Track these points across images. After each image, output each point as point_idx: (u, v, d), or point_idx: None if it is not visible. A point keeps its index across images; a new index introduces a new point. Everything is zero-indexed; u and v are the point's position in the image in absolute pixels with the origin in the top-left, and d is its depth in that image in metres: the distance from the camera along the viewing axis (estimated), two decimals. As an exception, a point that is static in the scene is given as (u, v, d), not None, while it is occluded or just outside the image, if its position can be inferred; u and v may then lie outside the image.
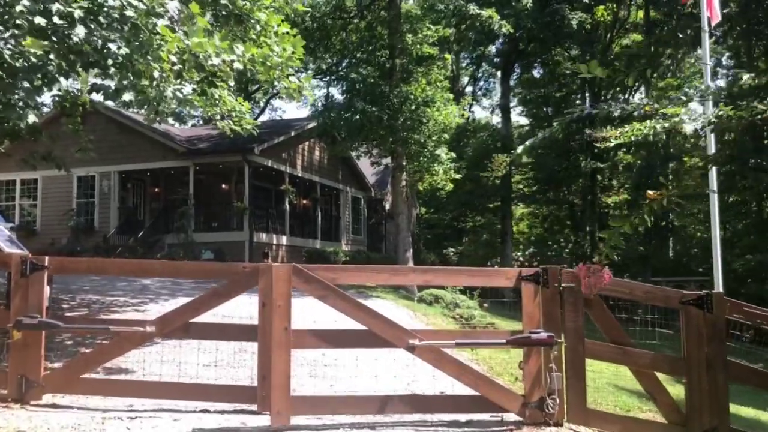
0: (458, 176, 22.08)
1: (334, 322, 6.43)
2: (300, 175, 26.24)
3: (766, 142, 29.80)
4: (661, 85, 37.71)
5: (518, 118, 43.15)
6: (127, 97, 6.51)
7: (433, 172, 20.05)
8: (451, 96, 19.87)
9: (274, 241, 24.28)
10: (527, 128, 38.24)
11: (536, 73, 39.72)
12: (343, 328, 5.75)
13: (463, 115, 21.74)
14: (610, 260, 5.83)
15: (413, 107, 19.01)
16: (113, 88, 6.56)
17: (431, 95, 19.25)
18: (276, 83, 9.87)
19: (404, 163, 20.18)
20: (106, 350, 5.83)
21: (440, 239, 41.28)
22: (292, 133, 25.10)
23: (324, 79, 28.31)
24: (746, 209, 29.78)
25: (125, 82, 6.46)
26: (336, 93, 21.15)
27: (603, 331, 6.19)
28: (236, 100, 13.50)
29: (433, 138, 19.52)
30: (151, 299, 13.22)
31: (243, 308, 8.13)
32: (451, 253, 39.36)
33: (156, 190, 26.24)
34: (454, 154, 20.83)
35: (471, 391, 5.77)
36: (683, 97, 5.67)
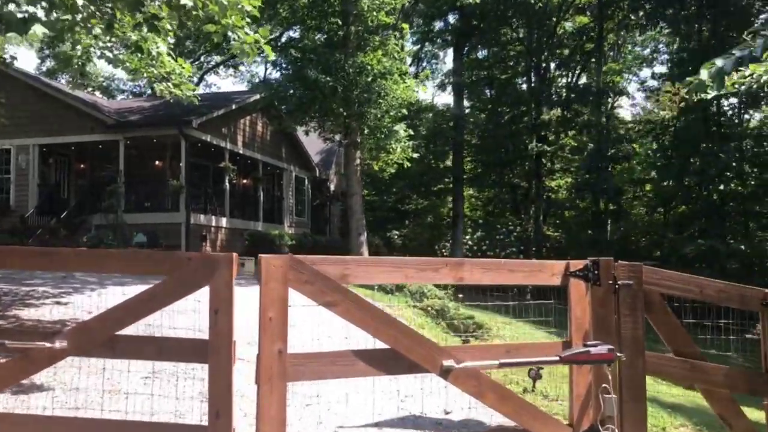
0: (416, 155, 20.78)
1: (328, 338, 4.92)
2: (241, 152, 24.36)
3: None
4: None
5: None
6: (39, 30, 4.78)
7: (390, 149, 18.61)
8: (410, 69, 18.38)
9: (213, 223, 22.41)
10: (467, 111, 37.24)
11: (481, 54, 38.77)
12: (353, 347, 4.26)
13: (421, 90, 20.31)
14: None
15: (369, 79, 17.49)
16: (21, 15, 4.81)
17: (389, 67, 17.75)
18: (230, 34, 8.22)
19: (359, 140, 18.67)
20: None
21: (382, 222, 40.02)
22: (233, 107, 23.17)
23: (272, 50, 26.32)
24: (697, 193, 29.61)
25: (36, 8, 4.73)
26: (284, 64, 19.32)
27: (666, 340, 4.93)
28: (176, 60, 11.74)
29: (391, 113, 18.08)
30: (76, 288, 11.38)
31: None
32: (395, 236, 38.14)
33: (82, 166, 23.87)
34: (412, 132, 19.48)
35: (507, 421, 4.40)
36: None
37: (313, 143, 32.41)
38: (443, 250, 31.65)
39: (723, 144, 28.02)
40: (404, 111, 18.45)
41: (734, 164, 27.47)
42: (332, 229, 34.53)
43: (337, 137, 19.20)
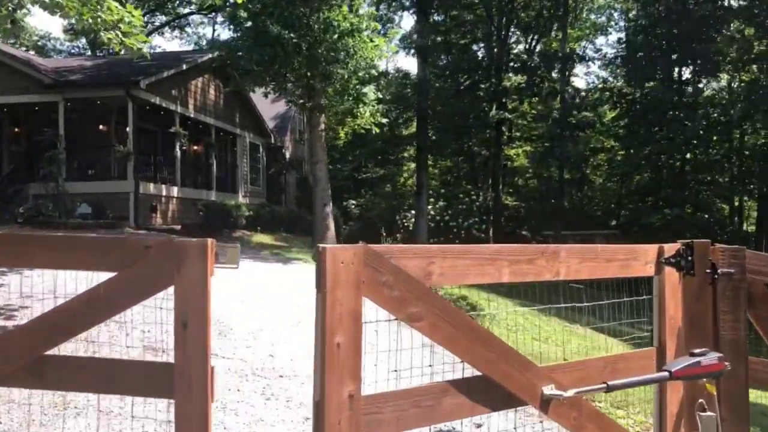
0: (385, 120, 19.57)
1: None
2: (193, 116, 22.67)
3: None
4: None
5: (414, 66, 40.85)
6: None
7: (358, 114, 17.35)
8: (379, 26, 17.07)
9: (164, 193, 20.82)
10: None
11: (438, 17, 37.44)
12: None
13: (391, 50, 19.02)
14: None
15: (336, 36, 16.12)
16: None
17: (357, 24, 16.41)
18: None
19: (323, 103, 17.35)
20: None
21: (337, 192, 38.72)
22: (184, 67, 21.44)
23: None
24: (663, 161, 29.30)
25: None
26: (242, 19, 17.70)
27: (774, 341, 3.97)
28: (125, 7, 10.26)
29: (359, 74, 16.79)
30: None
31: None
32: (352, 206, 36.99)
33: (16, 130, 21.82)
34: (380, 95, 18.24)
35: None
36: None
37: (267, 108, 30.77)
38: (404, 221, 30.67)
39: (690, 112, 27.69)
40: (374, 72, 17.19)
41: (701, 132, 27.17)
42: (288, 198, 33.13)
43: (300, 100, 17.78)
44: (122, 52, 10.37)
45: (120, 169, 19.35)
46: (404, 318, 2.44)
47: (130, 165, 18.72)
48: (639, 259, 3.59)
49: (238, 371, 6.28)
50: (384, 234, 14.32)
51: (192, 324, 2.40)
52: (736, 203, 35.14)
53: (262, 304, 9.53)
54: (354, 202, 37.38)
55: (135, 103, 18.95)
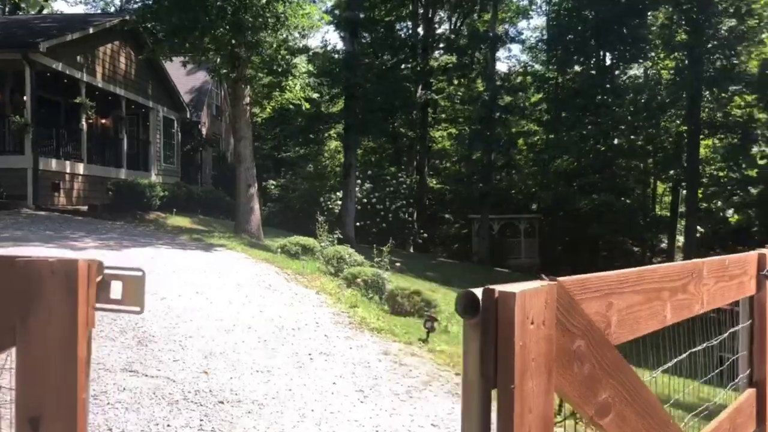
0: (316, 95, 18.23)
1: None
2: (101, 86, 20.58)
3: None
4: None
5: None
6: None
7: (288, 87, 15.97)
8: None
9: (68, 170, 18.79)
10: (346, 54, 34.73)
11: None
12: None
13: (325, 19, 17.65)
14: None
15: (264, 1, 14.67)
16: None
17: (287, -12, 15.00)
18: None
19: (248, 74, 15.88)
20: None
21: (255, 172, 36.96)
22: (91, 30, 19.33)
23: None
24: (590, 146, 29.29)
25: None
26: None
27: None
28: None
29: (290, 43, 15.41)
30: None
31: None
32: (272, 186, 35.41)
33: None
34: (312, 67, 16.90)
35: None
36: None
37: (183, 80, 28.75)
38: (329, 203, 29.44)
39: (617, 97, 27.71)
40: (306, 42, 15.85)
41: (629, 117, 27.23)
42: (204, 178, 31.26)
43: (223, 71, 16.22)
44: (21, 6, 8.66)
45: (16, 142, 17.24)
46: (592, 413, 1.35)
47: (27, 138, 16.67)
48: (747, 272, 2.63)
49: (165, 396, 5.03)
50: (319, 220, 13.10)
51: (50, 425, 1.18)
52: (650, 189, 35.92)
53: (186, 302, 8.20)
54: (274, 182, 35.79)
55: (34, 69, 16.84)
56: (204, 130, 31.53)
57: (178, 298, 8.37)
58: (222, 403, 4.97)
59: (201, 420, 4.62)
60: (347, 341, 6.92)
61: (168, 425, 4.50)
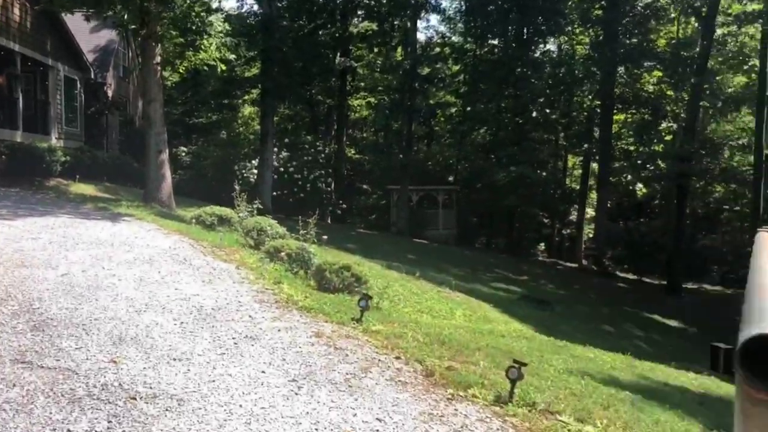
0: (232, 56, 17.14)
1: None
2: (-9, 39, 18.71)
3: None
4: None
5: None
6: None
7: (202, 46, 14.90)
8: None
9: (-47, 131, 17.03)
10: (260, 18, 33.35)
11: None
12: None
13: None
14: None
15: (177, -48, 13.55)
16: None
17: (202, -61, 13.90)
18: None
19: (159, 31, 14.71)
20: None
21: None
22: (-21, -25, 17.46)
23: None
24: (508, 118, 29.39)
25: None
26: None
27: None
28: None
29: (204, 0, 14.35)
30: None
31: None
32: (183, 153, 33.87)
33: None
34: (228, 26, 15.80)
35: None
36: None
37: (86, 38, 26.71)
38: (244, 172, 28.35)
39: (535, 71, 27.84)
40: (219, 4, 14.79)
41: (547, 91, 27.42)
42: (110, 143, 29.39)
43: (132, 26, 14.96)
44: None
45: None
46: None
47: None
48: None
49: (65, 392, 4.31)
50: (237, 189, 12.30)
51: None
52: (560, 162, 36.70)
53: (91, 279, 7.36)
54: (185, 149, 34.22)
55: None
56: (110, 92, 29.55)
57: (82, 274, 7.52)
58: (134, 399, 4.30)
59: (109, 422, 3.95)
60: (275, 322, 6.33)
61: (68, 430, 3.81)
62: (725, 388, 8.31)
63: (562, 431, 4.35)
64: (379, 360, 5.48)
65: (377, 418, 4.28)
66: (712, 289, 31.10)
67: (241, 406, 4.32)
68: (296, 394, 4.59)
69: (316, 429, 4.06)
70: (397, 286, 10.64)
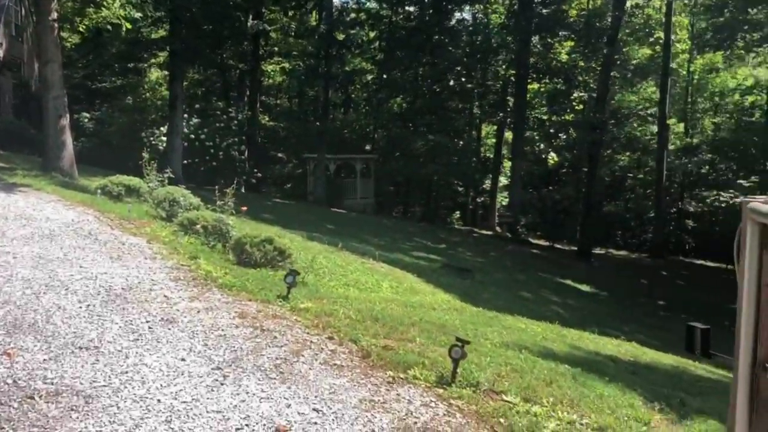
0: (139, 15, 15.91)
1: None
2: None
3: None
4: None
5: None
6: None
7: (105, 2, 13.76)
8: None
9: None
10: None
11: None
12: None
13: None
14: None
15: None
16: None
17: None
18: None
19: (56, -14, 13.48)
20: None
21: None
22: None
23: None
24: (426, 86, 29.15)
25: None
26: None
27: None
28: None
29: (105, -49, 13.20)
30: None
31: None
32: (86, 120, 31.93)
33: None
34: (134, -18, 14.63)
35: None
36: None
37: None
38: (152, 139, 26.92)
39: (452, 39, 27.64)
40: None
41: (465, 59, 27.32)
42: (4, 107, 27.19)
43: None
44: None
45: None
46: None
47: None
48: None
49: (-51, 394, 3.70)
50: (145, 157, 11.50)
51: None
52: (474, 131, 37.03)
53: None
54: (87, 115, 32.27)
55: None
56: (1, 53, 27.30)
57: (-30, 253, 6.71)
58: (32, 398, 3.74)
59: (1, 428, 3.40)
60: (193, 303, 5.80)
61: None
62: (650, 355, 8.43)
63: (511, 413, 4.11)
64: (311, 341, 5.08)
65: (314, 409, 3.91)
66: (618, 254, 32.31)
67: (159, 401, 3.84)
68: (222, 384, 4.15)
69: (247, 425, 3.65)
70: (321, 259, 10.21)
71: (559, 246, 29.22)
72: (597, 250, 29.58)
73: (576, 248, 28.96)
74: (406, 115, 29.83)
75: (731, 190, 32.45)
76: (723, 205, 33.16)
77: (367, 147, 35.65)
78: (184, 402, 3.85)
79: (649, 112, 34.69)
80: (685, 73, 37.93)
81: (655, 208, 33.55)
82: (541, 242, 30.09)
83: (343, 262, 10.72)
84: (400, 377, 4.52)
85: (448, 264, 16.55)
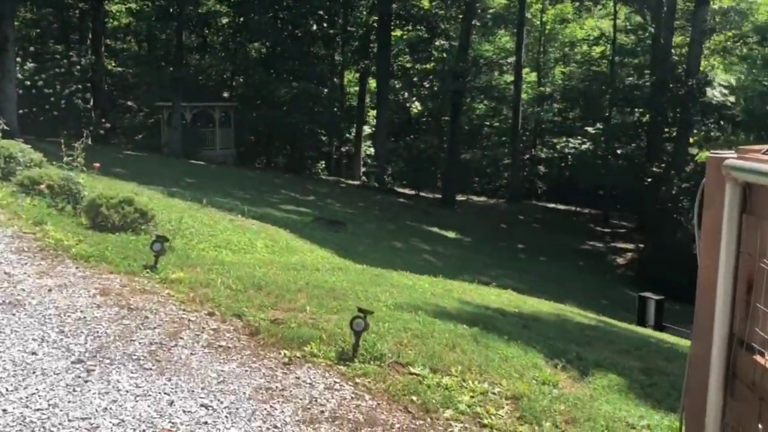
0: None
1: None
2: None
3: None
4: None
5: None
6: None
7: None
8: None
9: None
10: None
11: None
12: None
13: None
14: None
15: None
16: None
17: None
18: None
19: None
20: None
21: None
22: None
23: None
24: (288, 31, 27.88)
25: None
26: None
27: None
28: None
29: None
30: None
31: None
32: None
33: None
34: None
35: None
36: None
37: None
38: (-21, 85, 23.87)
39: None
40: None
41: (328, 2, 26.33)
42: None
43: None
44: None
45: None
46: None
47: None
48: None
49: None
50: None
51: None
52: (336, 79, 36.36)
53: None
54: None
55: None
56: None
57: None
58: None
59: None
60: (43, 279, 4.94)
61: None
62: (530, 303, 8.50)
63: (422, 388, 3.77)
64: (189, 320, 4.45)
65: (203, 405, 3.34)
66: (478, 200, 33.32)
67: (4, 411, 3.11)
68: (86, 381, 3.46)
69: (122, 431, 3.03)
70: (186, 218, 9.35)
71: (424, 194, 29.58)
72: (459, 197, 30.27)
73: (440, 196, 29.46)
74: (267, 61, 28.49)
75: (579, 137, 34.30)
76: (572, 151, 34.99)
77: (225, 94, 33.97)
78: (39, 410, 3.14)
79: (508, 61, 35.58)
80: (538, 23, 39.15)
81: (511, 155, 34.77)
82: (407, 191, 30.32)
83: (210, 221, 9.92)
84: (296, 356, 4.03)
85: (320, 217, 16.09)
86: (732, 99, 26.06)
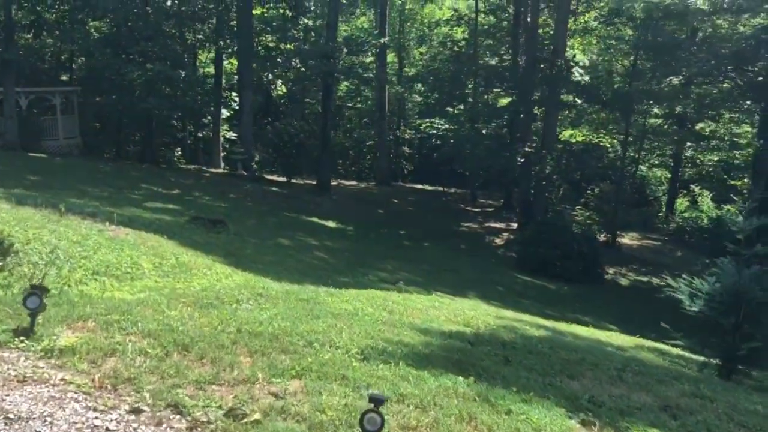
0: None
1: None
2: None
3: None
4: None
5: None
6: None
7: None
8: None
9: None
10: None
11: None
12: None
13: None
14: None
15: None
16: None
17: None
18: None
19: None
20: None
21: None
22: None
23: None
24: (138, 7, 25.05)
25: None
26: None
27: None
28: None
29: None
30: None
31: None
32: None
33: None
34: None
35: None
36: None
37: None
38: None
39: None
40: None
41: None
42: None
43: None
44: None
45: None
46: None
47: None
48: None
49: None
50: None
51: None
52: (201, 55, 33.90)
53: None
54: None
55: None
56: None
57: None
58: None
59: None
60: None
61: None
62: (471, 315, 7.53)
63: None
64: (108, 429, 2.98)
65: None
66: (349, 184, 32.32)
67: None
68: None
69: None
70: (46, 235, 7.45)
71: (295, 181, 28.06)
72: (331, 183, 29.11)
73: (314, 183, 28.16)
74: (113, 40, 25.49)
75: (443, 119, 34.17)
76: (436, 132, 34.72)
77: (64, 77, 30.37)
78: None
79: (370, 41, 34.64)
80: (400, 2, 38.57)
81: (378, 136, 34.06)
82: (278, 178, 28.65)
83: (77, 236, 8.04)
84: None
85: (196, 216, 14.27)
86: (587, 78, 26.82)
